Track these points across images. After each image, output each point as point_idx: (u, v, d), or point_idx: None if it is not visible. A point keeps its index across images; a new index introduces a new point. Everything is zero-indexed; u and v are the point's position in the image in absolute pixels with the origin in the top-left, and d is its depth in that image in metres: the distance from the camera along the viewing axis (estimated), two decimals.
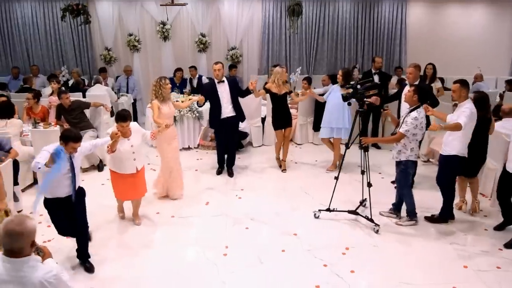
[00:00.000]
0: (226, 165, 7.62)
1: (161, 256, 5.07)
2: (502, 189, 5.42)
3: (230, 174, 7.50)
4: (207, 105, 7.47)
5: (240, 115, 7.38)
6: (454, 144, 5.44)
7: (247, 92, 7.34)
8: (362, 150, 5.63)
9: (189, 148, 8.99)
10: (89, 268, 4.75)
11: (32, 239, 2.55)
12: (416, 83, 6.50)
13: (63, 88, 8.79)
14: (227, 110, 7.19)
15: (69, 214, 4.55)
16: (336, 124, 7.45)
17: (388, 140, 5.73)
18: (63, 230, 4.68)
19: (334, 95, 7.40)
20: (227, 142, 7.49)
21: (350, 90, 5.79)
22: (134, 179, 5.50)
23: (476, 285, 4.50)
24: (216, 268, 4.81)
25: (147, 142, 5.72)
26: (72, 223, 4.60)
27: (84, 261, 4.80)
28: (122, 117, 5.18)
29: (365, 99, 5.75)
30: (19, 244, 2.50)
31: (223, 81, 7.14)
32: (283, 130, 7.57)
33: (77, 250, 4.79)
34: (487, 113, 5.69)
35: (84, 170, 7.62)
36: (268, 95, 7.56)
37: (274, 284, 4.54)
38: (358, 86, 5.69)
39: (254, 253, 5.08)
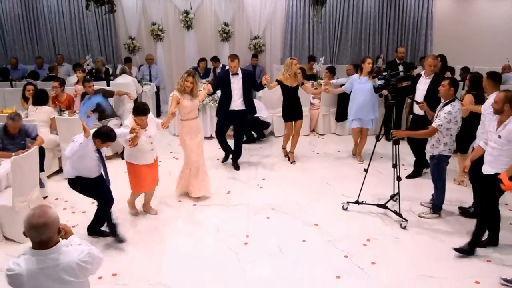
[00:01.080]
0: (231, 158, 7.53)
1: (182, 244, 5.13)
2: (477, 197, 5.11)
3: (236, 167, 7.41)
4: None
5: (250, 109, 7.31)
6: None
7: (261, 86, 7.32)
8: (393, 143, 5.54)
9: (211, 137, 9.01)
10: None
11: (57, 226, 2.60)
12: (432, 75, 6.36)
13: (87, 76, 8.89)
14: (236, 103, 7.13)
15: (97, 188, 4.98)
16: (367, 116, 7.41)
17: (420, 134, 5.59)
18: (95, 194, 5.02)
19: (361, 86, 7.30)
20: (235, 133, 7.45)
21: (376, 80, 5.71)
22: (152, 169, 5.56)
23: (499, 280, 4.43)
24: (236, 256, 4.84)
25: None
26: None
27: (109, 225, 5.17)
28: (142, 111, 5.20)
29: (414, 101, 5.70)
30: (47, 234, 2.53)
31: (237, 74, 7.08)
32: (292, 122, 7.52)
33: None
34: (481, 91, 5.78)
35: (108, 158, 7.72)
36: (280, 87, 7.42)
37: (294, 274, 4.55)
38: (392, 79, 5.61)
39: (275, 243, 5.09)
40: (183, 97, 5.91)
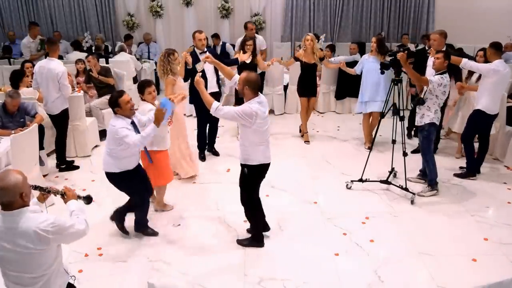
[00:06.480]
0: (208, 145, 7.04)
1: (182, 222, 5.17)
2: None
3: (216, 153, 7.03)
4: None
5: (220, 89, 7.01)
6: (480, 99, 5.75)
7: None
8: (397, 118, 5.57)
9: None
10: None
11: (19, 192, 2.62)
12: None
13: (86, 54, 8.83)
14: (211, 84, 6.47)
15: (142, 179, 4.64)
16: (382, 97, 6.71)
17: (416, 75, 5.37)
18: (145, 193, 4.70)
19: (373, 66, 6.76)
20: (210, 122, 6.77)
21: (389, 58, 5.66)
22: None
23: (497, 258, 4.47)
24: (236, 234, 4.88)
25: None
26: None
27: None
28: (145, 83, 4.93)
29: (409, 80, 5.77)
30: (7, 198, 2.61)
31: (205, 52, 6.27)
32: (307, 98, 7.44)
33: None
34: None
35: None
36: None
37: (293, 251, 4.60)
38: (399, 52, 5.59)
39: (274, 220, 5.11)
40: (177, 78, 5.69)
